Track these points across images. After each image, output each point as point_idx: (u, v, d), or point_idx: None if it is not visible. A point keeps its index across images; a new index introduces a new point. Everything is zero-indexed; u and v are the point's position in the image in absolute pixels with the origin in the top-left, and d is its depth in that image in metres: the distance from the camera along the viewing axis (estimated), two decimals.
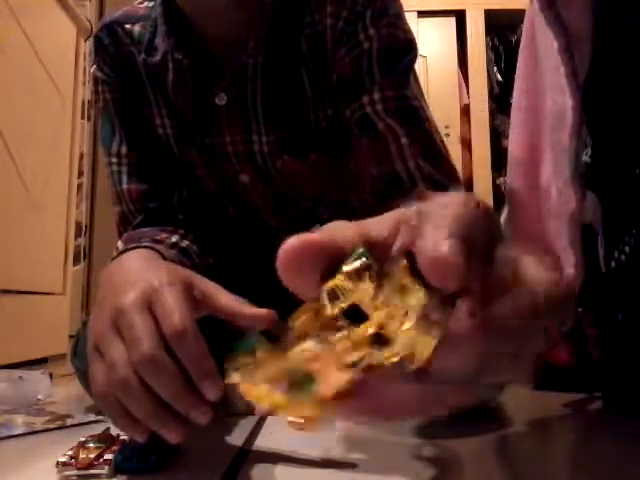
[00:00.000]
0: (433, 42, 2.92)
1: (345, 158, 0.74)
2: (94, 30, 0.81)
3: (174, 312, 0.44)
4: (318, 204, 0.80)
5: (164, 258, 0.59)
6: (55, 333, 1.57)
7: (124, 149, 0.78)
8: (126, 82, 0.78)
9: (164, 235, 0.72)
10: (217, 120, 0.75)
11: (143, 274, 0.49)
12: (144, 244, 0.61)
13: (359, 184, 0.73)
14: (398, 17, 0.73)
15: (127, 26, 0.78)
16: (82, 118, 1.79)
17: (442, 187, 0.69)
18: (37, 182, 1.46)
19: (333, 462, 0.51)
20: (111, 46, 0.78)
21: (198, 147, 0.78)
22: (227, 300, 0.50)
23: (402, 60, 0.72)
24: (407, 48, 0.73)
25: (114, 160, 0.78)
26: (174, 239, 0.72)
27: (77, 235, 1.81)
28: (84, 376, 0.70)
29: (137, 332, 0.43)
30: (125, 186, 0.77)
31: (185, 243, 0.73)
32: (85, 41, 1.76)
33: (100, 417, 0.69)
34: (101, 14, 1.91)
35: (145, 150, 0.78)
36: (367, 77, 0.70)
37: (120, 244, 0.73)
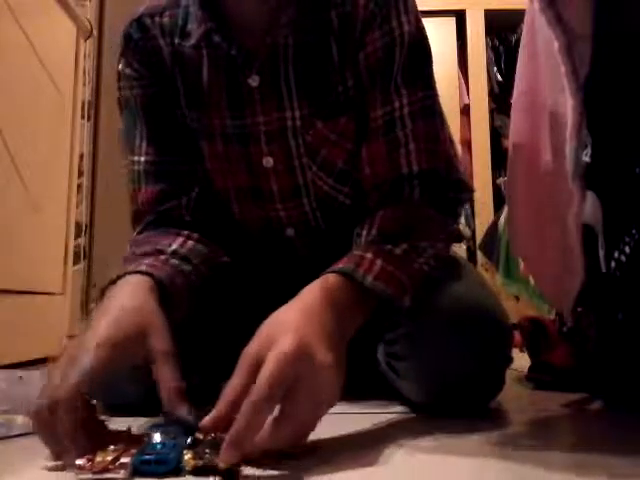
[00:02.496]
0: (433, 42, 2.88)
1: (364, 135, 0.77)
2: (125, 28, 0.82)
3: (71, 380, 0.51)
4: (337, 189, 0.81)
5: (156, 282, 0.63)
6: (55, 333, 1.57)
7: (144, 145, 0.80)
8: (155, 76, 0.80)
9: (166, 242, 0.74)
10: (250, 101, 0.77)
11: (108, 326, 0.56)
12: (142, 268, 0.64)
13: (365, 180, 0.77)
14: (418, 12, 0.78)
15: (156, 18, 0.80)
16: (82, 118, 1.79)
17: (435, 177, 0.75)
18: (37, 182, 1.46)
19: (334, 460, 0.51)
20: (141, 40, 0.80)
21: (223, 134, 0.79)
22: (165, 372, 0.54)
23: (429, 55, 0.79)
24: (428, 42, 0.79)
25: (135, 159, 0.80)
26: (175, 246, 0.73)
27: (77, 235, 1.81)
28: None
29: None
30: (142, 188, 0.79)
31: (186, 248, 0.74)
32: (85, 41, 1.75)
33: (101, 417, 0.69)
34: (101, 14, 1.91)
35: (165, 147, 0.80)
36: (400, 72, 0.75)
37: (128, 249, 0.76)
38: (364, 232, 0.71)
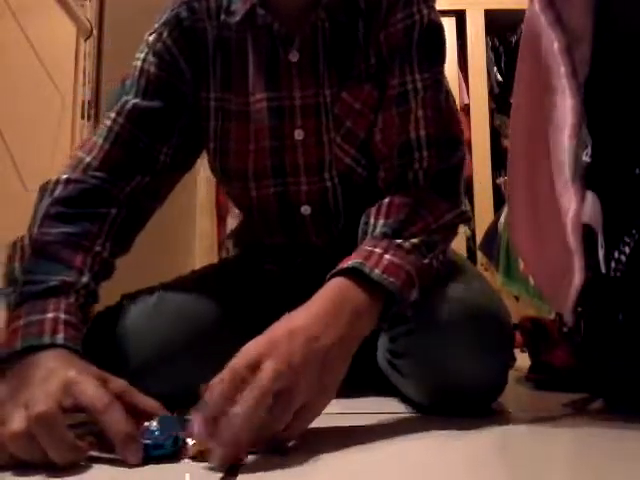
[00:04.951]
0: None
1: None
2: (173, 8, 0.84)
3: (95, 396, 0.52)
4: (357, 161, 0.83)
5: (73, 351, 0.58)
6: None
7: (126, 110, 0.79)
8: (187, 59, 0.83)
9: (77, 265, 0.67)
10: (288, 77, 0.83)
11: (59, 369, 0.54)
12: (58, 341, 0.57)
13: (375, 148, 0.82)
14: (435, 4, 0.85)
15: (203, 1, 0.84)
16: (82, 118, 1.79)
17: (445, 151, 0.79)
18: (37, 182, 1.46)
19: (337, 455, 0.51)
20: (187, 21, 0.83)
21: (257, 110, 0.82)
22: (141, 397, 0.56)
23: (443, 41, 0.84)
24: (443, 30, 0.85)
25: (111, 115, 0.79)
26: (85, 278, 0.67)
27: None
28: None
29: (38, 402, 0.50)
30: (98, 141, 0.78)
31: (95, 272, 0.70)
32: (85, 41, 1.75)
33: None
34: (101, 14, 1.91)
35: (143, 124, 0.79)
36: (416, 51, 0.81)
37: (37, 215, 0.72)
38: (371, 220, 0.73)
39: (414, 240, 0.69)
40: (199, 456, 0.50)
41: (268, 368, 0.50)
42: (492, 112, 3.05)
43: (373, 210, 0.74)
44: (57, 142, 1.61)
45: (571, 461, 0.55)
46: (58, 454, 0.49)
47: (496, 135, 3.02)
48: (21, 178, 1.38)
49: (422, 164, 0.78)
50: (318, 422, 0.55)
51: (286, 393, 0.50)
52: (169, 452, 0.51)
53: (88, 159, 0.77)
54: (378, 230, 0.71)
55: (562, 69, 0.65)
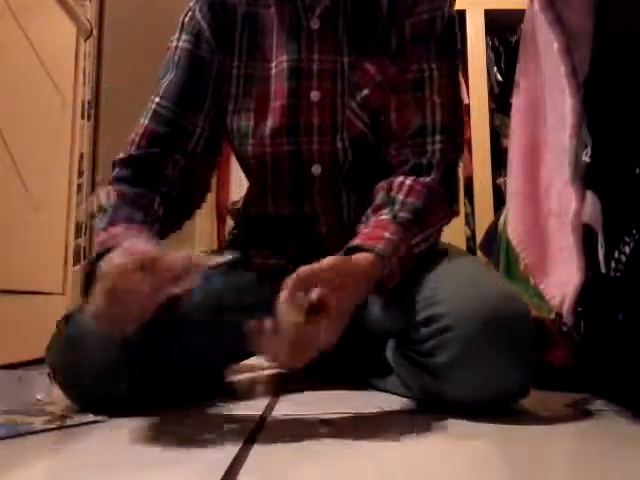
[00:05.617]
0: None
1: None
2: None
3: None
4: (368, 127, 0.89)
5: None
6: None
7: (167, 91, 0.90)
8: (216, 33, 0.92)
9: (139, 215, 0.79)
10: (309, 42, 0.91)
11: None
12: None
13: (387, 127, 0.89)
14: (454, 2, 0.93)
15: None
16: (82, 118, 1.79)
17: (453, 137, 0.87)
18: (37, 182, 1.46)
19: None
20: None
21: (278, 73, 0.90)
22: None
23: (458, 36, 0.92)
24: (456, 18, 0.93)
25: (154, 99, 0.90)
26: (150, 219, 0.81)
27: (77, 235, 1.80)
28: (60, 370, 0.75)
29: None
30: (145, 123, 0.89)
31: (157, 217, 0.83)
32: (85, 41, 1.75)
33: (99, 417, 0.69)
34: (101, 14, 1.91)
35: (184, 102, 0.90)
36: (436, 42, 0.89)
37: (111, 191, 0.83)
38: (392, 194, 0.82)
39: (418, 238, 0.79)
40: None
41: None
42: (492, 112, 3.04)
43: (395, 184, 0.83)
44: (57, 142, 1.61)
45: (571, 461, 0.55)
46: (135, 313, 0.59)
47: (496, 135, 3.02)
48: (21, 178, 1.38)
49: (434, 148, 0.85)
50: (320, 422, 0.55)
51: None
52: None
53: (133, 136, 0.89)
54: (397, 207, 0.80)
55: (562, 69, 0.65)
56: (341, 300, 0.65)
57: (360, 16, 0.91)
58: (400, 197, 0.81)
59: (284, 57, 0.90)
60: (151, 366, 0.75)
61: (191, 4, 0.94)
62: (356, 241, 0.76)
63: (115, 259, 0.63)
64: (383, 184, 0.84)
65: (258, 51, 0.92)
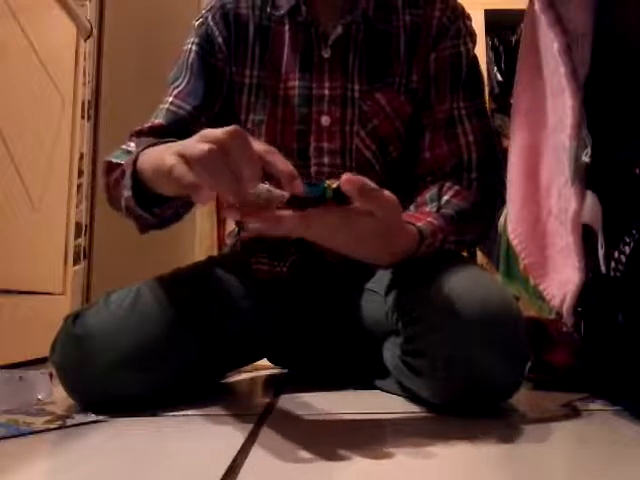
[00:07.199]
0: None
1: (418, 130, 0.93)
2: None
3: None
4: (376, 157, 0.92)
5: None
6: (55, 333, 1.56)
7: (179, 92, 0.91)
8: (227, 41, 0.93)
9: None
10: (320, 70, 0.92)
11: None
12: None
13: (422, 163, 0.91)
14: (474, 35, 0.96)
15: None
16: (82, 118, 1.78)
17: (490, 173, 0.90)
18: (37, 182, 1.46)
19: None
20: (230, 4, 0.94)
21: (287, 96, 0.92)
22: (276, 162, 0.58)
23: (481, 70, 0.95)
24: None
25: (167, 99, 0.92)
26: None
27: (77, 235, 1.80)
28: (65, 369, 0.76)
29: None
30: (157, 120, 0.90)
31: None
32: (85, 41, 1.75)
33: (100, 417, 0.69)
34: (101, 14, 1.90)
35: (196, 103, 0.91)
36: (463, 82, 0.91)
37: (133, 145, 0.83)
38: (442, 193, 0.85)
39: (461, 236, 0.82)
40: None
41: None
42: (492, 112, 3.04)
43: (444, 187, 0.86)
44: (57, 142, 1.60)
45: (571, 461, 0.55)
46: (250, 168, 0.53)
47: (496, 135, 3.02)
48: (21, 178, 1.38)
49: (471, 182, 0.88)
50: (323, 422, 0.55)
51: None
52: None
53: (139, 128, 0.90)
54: (442, 203, 0.83)
55: (562, 69, 0.65)
56: (379, 224, 0.66)
57: (373, 46, 0.92)
58: (446, 197, 0.84)
59: (295, 83, 0.92)
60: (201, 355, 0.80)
61: (204, 11, 0.96)
62: None
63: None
64: (431, 186, 0.87)
65: (269, 63, 0.93)
